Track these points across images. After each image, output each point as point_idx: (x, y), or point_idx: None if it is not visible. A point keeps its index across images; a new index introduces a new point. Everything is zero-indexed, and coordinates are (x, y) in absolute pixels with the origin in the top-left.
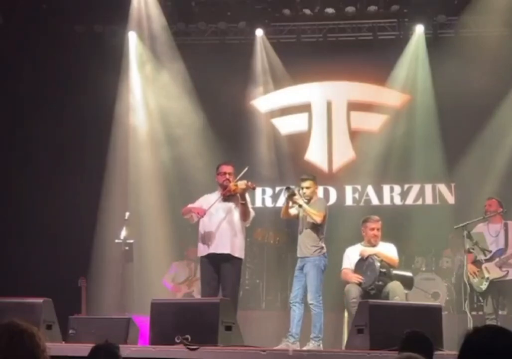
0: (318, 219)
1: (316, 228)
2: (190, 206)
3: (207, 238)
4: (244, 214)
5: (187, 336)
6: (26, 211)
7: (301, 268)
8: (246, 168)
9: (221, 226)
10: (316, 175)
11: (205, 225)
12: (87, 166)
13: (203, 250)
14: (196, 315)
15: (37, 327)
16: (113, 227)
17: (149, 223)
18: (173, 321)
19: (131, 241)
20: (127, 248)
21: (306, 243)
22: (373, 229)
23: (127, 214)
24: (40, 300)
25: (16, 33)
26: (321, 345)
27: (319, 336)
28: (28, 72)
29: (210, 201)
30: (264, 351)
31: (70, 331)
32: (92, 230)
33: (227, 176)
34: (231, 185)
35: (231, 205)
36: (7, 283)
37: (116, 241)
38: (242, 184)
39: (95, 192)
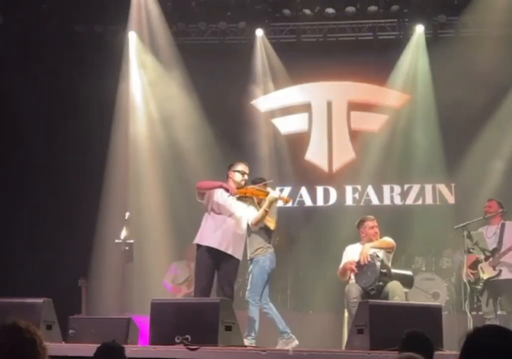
0: (272, 226)
1: (266, 231)
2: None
3: (208, 231)
4: (261, 220)
5: (187, 336)
6: (26, 211)
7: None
8: (271, 180)
9: (230, 225)
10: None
11: (214, 218)
12: (87, 166)
13: (204, 240)
14: (196, 315)
15: (37, 327)
16: (113, 227)
17: (149, 223)
18: (173, 321)
19: (131, 241)
20: (127, 248)
21: (254, 244)
22: (372, 227)
23: (127, 214)
24: (40, 300)
25: (16, 33)
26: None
27: (251, 335)
28: (28, 72)
29: (224, 195)
30: (264, 351)
31: (70, 331)
32: (92, 230)
33: (245, 177)
34: (254, 189)
35: (244, 205)
36: (7, 283)
37: (116, 241)
38: (275, 193)
39: (95, 192)
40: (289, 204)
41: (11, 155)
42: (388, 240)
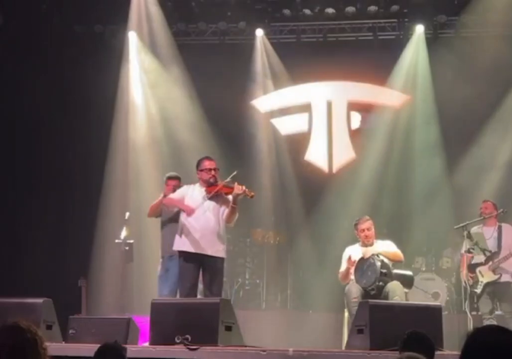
0: None
1: None
2: (175, 198)
3: (190, 236)
4: (232, 217)
5: (187, 336)
6: (26, 211)
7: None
8: (235, 172)
9: (207, 226)
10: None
11: (189, 222)
12: (87, 166)
13: (180, 245)
14: (196, 315)
15: (37, 327)
16: (113, 227)
17: (149, 223)
18: (173, 321)
19: (131, 241)
20: (127, 248)
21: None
22: (363, 230)
23: (127, 214)
24: (40, 300)
25: (16, 33)
26: None
27: None
28: (28, 72)
29: (194, 196)
30: (264, 351)
31: (70, 331)
32: (92, 230)
33: (213, 173)
34: (222, 186)
35: (217, 204)
36: (7, 283)
37: (116, 241)
38: (239, 189)
39: (95, 192)
40: None
41: (11, 155)
42: (398, 253)
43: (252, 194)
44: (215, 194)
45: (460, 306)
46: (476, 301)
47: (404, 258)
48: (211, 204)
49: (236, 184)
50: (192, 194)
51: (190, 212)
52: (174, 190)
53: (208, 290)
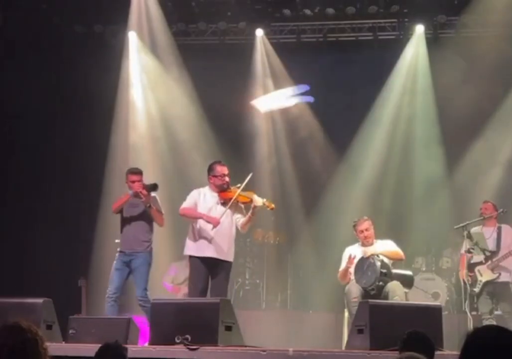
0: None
1: (153, 226)
2: (188, 207)
3: (203, 240)
4: (248, 225)
5: (187, 336)
6: (25, 211)
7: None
8: (250, 175)
9: (221, 231)
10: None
11: (203, 227)
12: (88, 166)
13: (196, 251)
14: (196, 315)
15: (37, 327)
16: (113, 227)
17: None
18: (173, 321)
19: None
20: None
21: (140, 237)
22: (362, 231)
23: None
24: (40, 300)
25: (16, 33)
26: None
27: None
28: (28, 72)
29: (207, 201)
30: (264, 351)
31: (70, 331)
32: (92, 230)
33: (226, 179)
34: (238, 195)
35: (230, 210)
36: (7, 282)
37: (116, 241)
38: (259, 202)
39: (95, 192)
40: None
41: (11, 156)
42: (398, 252)
43: (272, 206)
44: (229, 201)
45: (460, 306)
46: (475, 300)
47: (404, 257)
48: (225, 211)
49: (255, 196)
50: (204, 199)
51: (216, 224)
52: (143, 186)
53: (214, 291)
